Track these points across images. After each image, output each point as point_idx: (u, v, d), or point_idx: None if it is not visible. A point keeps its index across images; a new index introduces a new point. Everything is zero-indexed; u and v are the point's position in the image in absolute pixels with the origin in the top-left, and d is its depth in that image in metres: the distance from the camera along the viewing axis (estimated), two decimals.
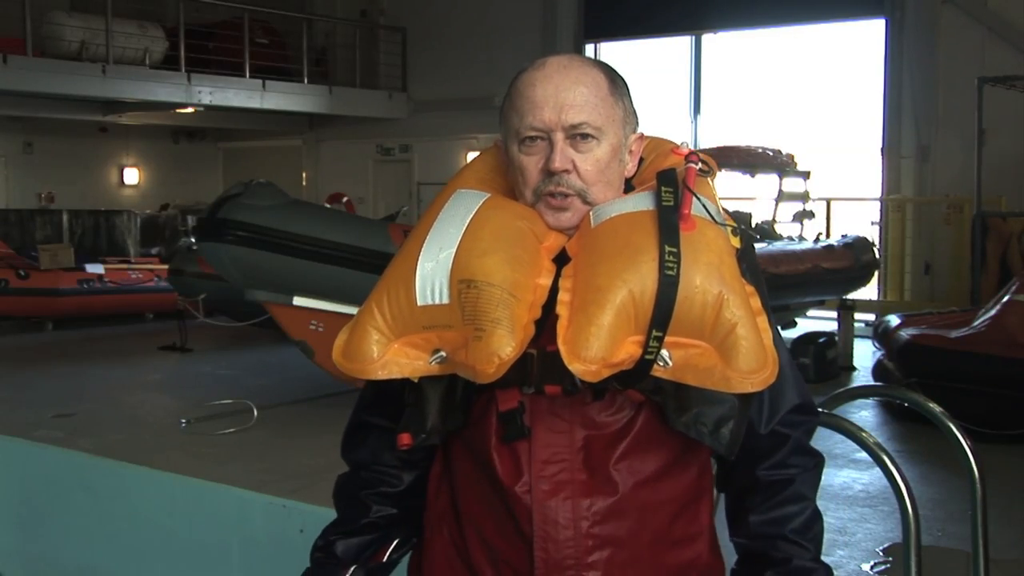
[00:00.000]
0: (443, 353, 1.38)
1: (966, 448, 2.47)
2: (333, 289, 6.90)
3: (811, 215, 10.63)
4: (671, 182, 1.39)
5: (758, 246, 8.59)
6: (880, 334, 7.99)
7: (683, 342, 1.33)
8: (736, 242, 1.43)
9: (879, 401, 7.62)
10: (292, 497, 2.80)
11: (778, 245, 9.41)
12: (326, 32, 17.01)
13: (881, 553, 4.67)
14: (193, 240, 10.33)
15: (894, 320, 7.97)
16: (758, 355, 1.33)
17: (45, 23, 12.95)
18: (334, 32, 17.01)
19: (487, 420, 1.44)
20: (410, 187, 16.10)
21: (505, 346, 1.32)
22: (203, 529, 3.05)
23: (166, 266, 11.54)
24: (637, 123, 1.53)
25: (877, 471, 2.65)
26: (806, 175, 10.67)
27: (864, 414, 7.47)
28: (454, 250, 1.39)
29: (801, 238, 10.24)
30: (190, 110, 14.79)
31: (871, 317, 10.79)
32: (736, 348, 1.32)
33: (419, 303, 1.38)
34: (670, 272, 1.30)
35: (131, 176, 17.92)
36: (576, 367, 1.31)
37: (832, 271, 9.39)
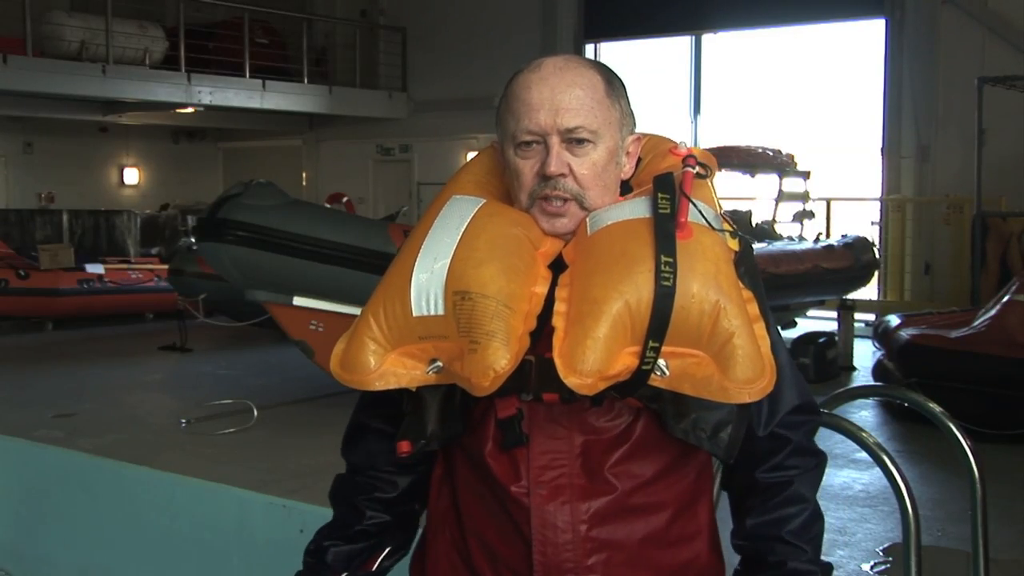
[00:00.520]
0: (440, 363, 1.38)
1: (966, 448, 2.46)
2: (333, 289, 6.89)
3: (811, 215, 10.64)
4: (668, 188, 1.38)
5: (758, 246, 8.60)
6: (880, 334, 7.99)
7: (680, 352, 1.32)
8: (734, 245, 1.42)
9: (879, 401, 7.62)
10: (292, 497, 2.80)
11: (778, 245, 9.42)
12: (326, 32, 17.01)
13: (881, 553, 4.67)
14: (193, 240, 10.33)
15: (894, 320, 7.97)
16: (755, 364, 1.33)
17: (45, 23, 12.95)
18: (334, 32, 17.01)
19: (486, 427, 1.44)
20: (410, 187, 16.10)
21: (500, 359, 1.32)
22: (203, 529, 3.05)
23: (166, 266, 11.54)
24: (634, 124, 1.52)
25: (877, 471, 2.65)
26: (806, 175, 10.68)
27: (864, 414, 7.47)
28: (448, 260, 1.38)
29: (801, 238, 10.24)
30: (190, 110, 14.79)
31: (871, 317, 10.79)
32: (733, 358, 1.32)
33: (414, 314, 1.38)
34: (666, 283, 1.30)
35: (131, 176, 17.92)
36: (572, 381, 1.30)
37: (832, 271, 9.39)
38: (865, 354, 9.33)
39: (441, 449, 1.52)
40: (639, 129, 1.55)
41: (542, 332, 1.36)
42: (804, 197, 10.70)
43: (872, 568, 4.51)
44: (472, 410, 1.44)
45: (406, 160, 16.39)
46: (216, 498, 3.10)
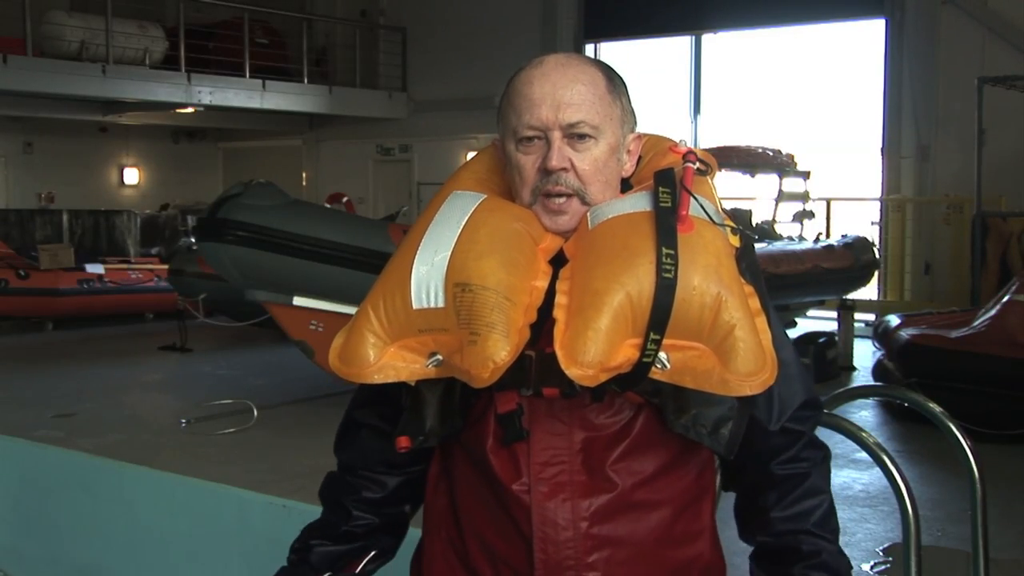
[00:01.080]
0: (439, 356, 1.38)
1: (966, 448, 2.47)
2: (333, 289, 6.89)
3: (811, 215, 10.64)
4: (669, 182, 1.39)
5: (758, 246, 8.60)
6: (880, 334, 7.99)
7: (681, 344, 1.32)
8: (735, 241, 1.42)
9: (879, 401, 7.62)
10: (292, 497, 2.80)
11: (778, 245, 9.42)
12: (326, 32, 17.01)
13: (881, 553, 4.67)
14: (193, 240, 10.33)
15: (894, 320, 7.97)
16: (757, 357, 1.32)
17: (45, 23, 12.95)
18: (334, 32, 17.01)
19: (485, 422, 1.43)
20: (410, 187, 16.10)
21: (500, 351, 1.31)
22: (203, 529, 3.05)
23: (166, 266, 11.54)
24: (635, 122, 1.52)
25: (877, 471, 2.65)
26: (806, 175, 10.68)
27: (864, 414, 7.47)
28: (449, 253, 1.38)
29: (801, 238, 10.24)
30: (190, 110, 14.79)
31: (871, 317, 10.79)
32: (734, 350, 1.31)
33: (414, 306, 1.38)
34: (667, 275, 1.30)
35: (131, 176, 17.92)
36: (573, 372, 1.30)
37: (832, 271, 9.40)
38: (865, 354, 9.33)
39: (438, 446, 1.51)
40: (639, 129, 1.55)
41: (542, 327, 1.36)
42: (804, 197, 10.71)
43: (872, 568, 4.51)
44: (472, 406, 1.43)
45: (406, 160, 16.39)
46: (216, 498, 3.10)
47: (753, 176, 10.20)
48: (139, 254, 13.74)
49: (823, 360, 8.63)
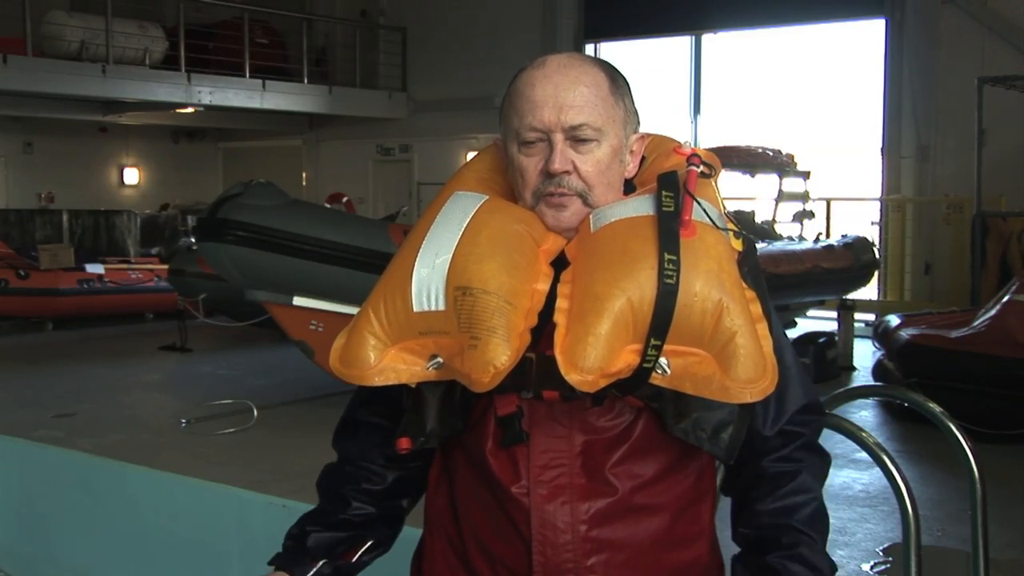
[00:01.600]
0: (440, 359, 1.37)
1: (966, 448, 2.46)
2: (333, 289, 6.89)
3: (811, 215, 10.64)
4: (672, 186, 1.38)
5: (758, 246, 8.59)
6: (880, 334, 7.99)
7: (682, 350, 1.32)
8: (738, 245, 1.41)
9: (879, 401, 7.62)
10: (292, 497, 2.79)
11: (778, 245, 9.41)
12: (326, 32, 17.01)
13: (881, 553, 4.67)
14: (193, 240, 10.33)
15: (894, 320, 7.97)
16: (757, 364, 1.32)
17: (45, 23, 12.94)
18: (334, 32, 17.00)
19: (485, 424, 1.43)
20: (410, 187, 16.10)
21: (500, 355, 1.31)
22: (203, 529, 3.05)
23: (166, 266, 11.54)
24: (638, 122, 1.51)
25: (877, 471, 2.65)
26: (806, 175, 10.67)
27: (864, 414, 7.47)
28: (450, 255, 1.38)
29: (801, 238, 10.24)
30: (190, 110, 14.79)
31: (871, 317, 10.80)
32: (735, 357, 1.31)
33: (415, 309, 1.37)
34: (669, 281, 1.29)
35: (131, 176, 17.92)
36: (573, 378, 1.29)
37: (832, 271, 9.39)
38: (865, 354, 9.33)
39: (440, 447, 1.51)
40: (642, 129, 1.54)
41: (543, 329, 1.35)
42: (804, 197, 10.70)
43: (872, 568, 4.51)
44: (472, 408, 1.43)
45: (406, 160, 16.39)
46: (216, 498, 3.10)
47: (753, 176, 10.19)
48: (139, 254, 13.75)
49: (823, 360, 8.63)
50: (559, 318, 1.33)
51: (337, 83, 15.84)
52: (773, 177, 10.40)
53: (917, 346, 7.13)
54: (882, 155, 12.33)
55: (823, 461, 1.52)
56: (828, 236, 10.90)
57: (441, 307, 1.36)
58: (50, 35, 12.95)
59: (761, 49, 14.01)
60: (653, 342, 1.29)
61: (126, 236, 14.01)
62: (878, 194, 12.34)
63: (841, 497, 5.44)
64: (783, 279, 8.61)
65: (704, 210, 1.38)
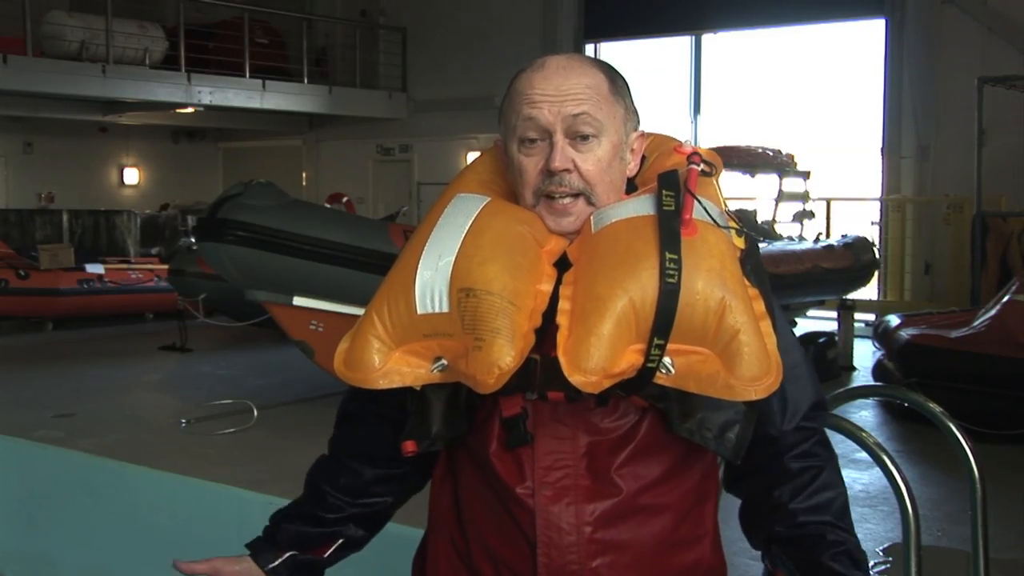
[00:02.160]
0: (444, 361, 1.37)
1: (966, 448, 2.46)
2: (333, 289, 6.89)
3: (811, 215, 10.63)
4: (673, 185, 1.38)
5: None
6: (880, 334, 7.99)
7: (685, 349, 1.31)
8: (740, 243, 1.41)
9: (879, 401, 7.62)
10: (292, 497, 2.79)
11: (778, 245, 9.41)
12: (326, 32, 17.01)
13: (881, 553, 4.66)
14: (193, 240, 10.33)
15: (894, 320, 7.97)
16: (761, 361, 1.31)
17: (45, 23, 12.94)
18: (334, 32, 17.00)
19: (490, 425, 1.43)
20: (410, 187, 16.10)
21: (505, 356, 1.31)
22: (203, 529, 3.05)
23: (166, 266, 11.54)
24: (638, 121, 1.51)
25: (877, 471, 2.65)
26: (806, 175, 10.67)
27: (864, 414, 7.46)
28: (453, 257, 1.38)
29: (801, 238, 10.23)
30: (190, 110, 14.79)
31: (871, 317, 10.79)
32: (739, 354, 1.31)
33: (419, 312, 1.37)
34: (671, 280, 1.29)
35: (131, 176, 17.92)
36: (576, 379, 1.29)
37: (832, 271, 9.39)
38: (865, 354, 9.33)
39: (444, 448, 1.51)
40: (641, 128, 1.54)
41: (547, 330, 1.35)
42: (804, 197, 10.70)
43: (872, 568, 4.51)
44: (477, 409, 1.43)
45: (406, 160, 16.39)
46: (216, 498, 3.10)
47: (753, 176, 10.18)
48: (139, 254, 13.74)
49: (823, 360, 8.63)
50: (562, 319, 1.33)
51: (337, 83, 15.84)
52: (773, 177, 10.40)
53: (917, 346, 7.13)
54: (882, 155, 12.33)
55: (834, 455, 1.53)
56: (828, 236, 10.89)
57: (445, 309, 1.36)
58: (50, 35, 12.94)
59: (761, 49, 14.01)
60: (656, 342, 1.29)
61: (126, 236, 14.00)
62: (878, 194, 12.34)
63: None
64: (783, 279, 8.60)
65: (705, 209, 1.38)
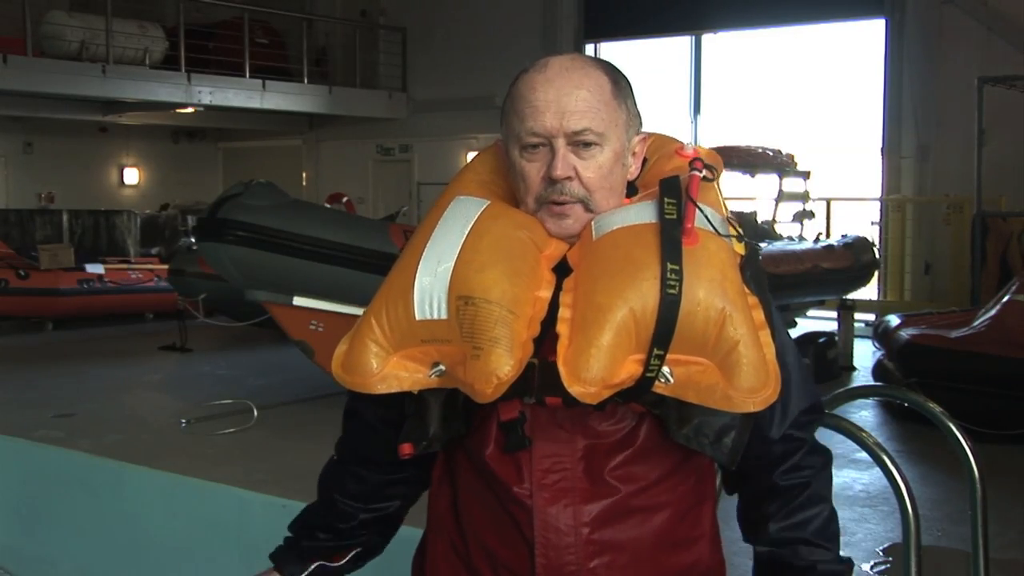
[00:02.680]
0: (443, 367, 1.37)
1: (966, 448, 2.46)
2: (333, 289, 6.89)
3: (811, 215, 10.62)
4: (675, 192, 1.37)
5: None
6: (880, 334, 7.99)
7: (685, 359, 1.31)
8: (740, 249, 1.41)
9: (879, 401, 7.61)
10: (292, 497, 2.79)
11: (778, 245, 9.41)
12: (326, 32, 17.00)
13: (881, 553, 4.67)
14: (193, 240, 10.33)
15: (894, 320, 7.97)
16: (760, 373, 1.31)
17: (45, 23, 12.95)
18: (334, 32, 17.00)
19: (488, 428, 1.43)
20: (410, 187, 16.09)
21: (503, 365, 1.30)
22: (203, 529, 3.05)
23: (166, 266, 11.54)
24: (640, 124, 1.50)
25: (877, 471, 2.65)
26: (806, 175, 10.66)
27: (864, 414, 7.46)
28: (452, 263, 1.37)
29: (801, 238, 10.23)
30: (190, 110, 14.79)
31: (871, 317, 10.79)
32: (738, 366, 1.30)
33: (417, 317, 1.37)
34: (672, 291, 1.28)
35: (131, 176, 17.92)
36: (576, 389, 1.29)
37: (832, 271, 9.39)
38: (865, 354, 9.33)
39: (443, 449, 1.51)
40: (643, 130, 1.53)
41: (546, 336, 1.35)
42: (804, 197, 10.69)
43: (872, 568, 4.51)
44: (474, 412, 1.43)
45: (406, 160, 16.39)
46: (216, 498, 3.10)
47: (753, 176, 10.17)
48: (139, 254, 13.74)
49: (823, 360, 8.62)
50: (562, 328, 1.33)
51: (337, 83, 15.84)
52: (773, 177, 10.39)
53: (917, 346, 7.13)
54: (882, 155, 12.33)
55: (826, 460, 1.52)
56: (828, 236, 10.89)
57: (443, 316, 1.35)
58: (50, 35, 12.94)
59: (761, 49, 14.01)
60: (656, 352, 1.29)
61: (126, 236, 14.00)
62: (878, 194, 12.34)
63: (841, 497, 5.44)
64: (783, 279, 8.60)
65: (707, 217, 1.37)
